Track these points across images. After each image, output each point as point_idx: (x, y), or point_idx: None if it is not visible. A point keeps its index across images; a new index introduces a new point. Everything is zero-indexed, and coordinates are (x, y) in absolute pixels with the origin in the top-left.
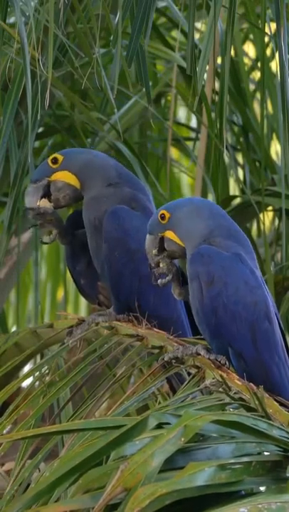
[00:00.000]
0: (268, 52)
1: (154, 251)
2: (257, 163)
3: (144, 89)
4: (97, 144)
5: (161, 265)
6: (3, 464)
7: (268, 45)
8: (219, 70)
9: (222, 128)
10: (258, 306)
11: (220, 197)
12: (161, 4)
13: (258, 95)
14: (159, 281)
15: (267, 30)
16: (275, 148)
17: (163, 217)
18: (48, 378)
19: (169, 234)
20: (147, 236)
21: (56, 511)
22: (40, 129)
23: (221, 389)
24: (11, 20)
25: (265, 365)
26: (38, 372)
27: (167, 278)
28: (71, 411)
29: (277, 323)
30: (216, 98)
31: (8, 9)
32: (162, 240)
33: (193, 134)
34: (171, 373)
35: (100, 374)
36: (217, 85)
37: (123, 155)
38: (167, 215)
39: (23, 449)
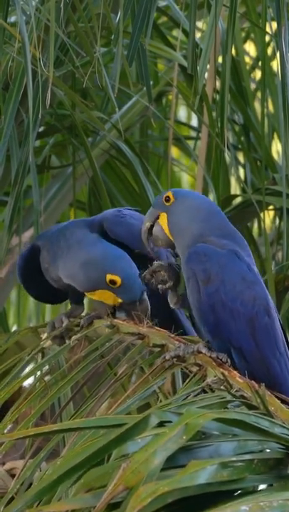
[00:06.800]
0: (269, 51)
1: (147, 224)
2: (258, 162)
3: (144, 89)
4: (98, 143)
5: (162, 273)
6: (4, 464)
7: (268, 44)
8: (220, 69)
9: (223, 127)
10: (257, 301)
11: (221, 196)
12: (162, 3)
13: (259, 94)
14: (159, 286)
15: (268, 29)
16: (276, 147)
17: (168, 199)
18: (49, 377)
19: (163, 217)
20: (150, 208)
21: (58, 510)
22: (41, 128)
23: (222, 387)
24: (12, 19)
25: (265, 360)
26: (39, 372)
27: (168, 285)
28: (72, 410)
29: (277, 319)
30: (217, 97)
31: (10, 8)
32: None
33: (194, 133)
34: (172, 372)
35: (101, 373)
36: (218, 84)
37: (124, 154)
38: (172, 199)
39: (28, 448)
